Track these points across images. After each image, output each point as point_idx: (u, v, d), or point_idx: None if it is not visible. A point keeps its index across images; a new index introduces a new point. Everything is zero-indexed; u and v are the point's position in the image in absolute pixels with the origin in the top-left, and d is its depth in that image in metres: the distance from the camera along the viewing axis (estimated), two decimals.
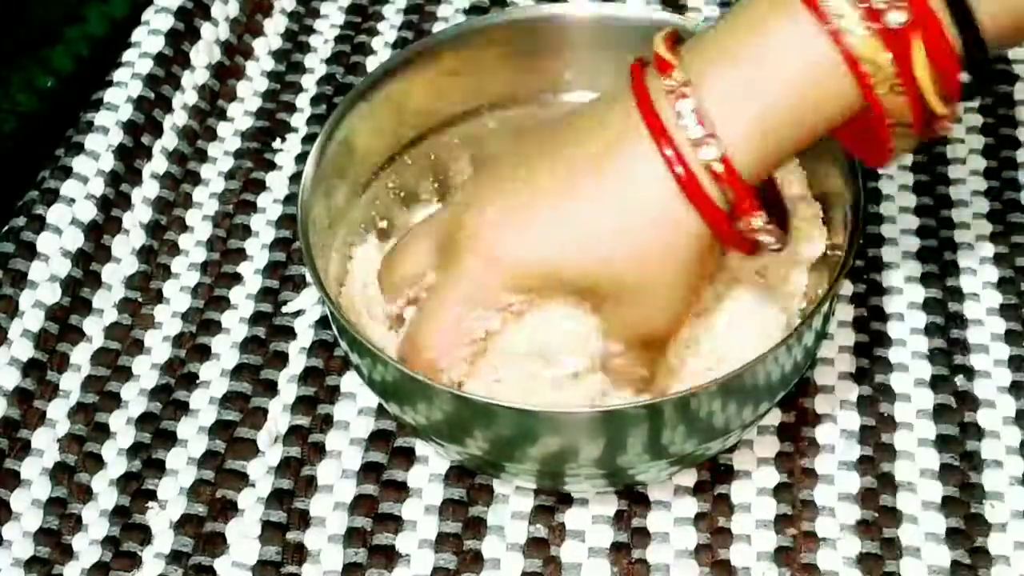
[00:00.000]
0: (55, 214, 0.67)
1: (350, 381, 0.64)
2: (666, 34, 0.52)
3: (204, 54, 0.76)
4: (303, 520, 0.59)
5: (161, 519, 0.60)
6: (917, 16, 0.47)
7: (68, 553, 0.59)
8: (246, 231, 0.70)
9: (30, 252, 0.66)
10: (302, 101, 0.76)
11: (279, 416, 0.63)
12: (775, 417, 0.62)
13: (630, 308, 0.53)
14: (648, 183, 0.51)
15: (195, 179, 0.72)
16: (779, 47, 0.49)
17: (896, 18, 0.47)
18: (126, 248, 0.69)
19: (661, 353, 0.56)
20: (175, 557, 0.58)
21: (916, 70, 0.48)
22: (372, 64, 0.77)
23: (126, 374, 0.64)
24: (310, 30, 0.80)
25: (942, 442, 0.61)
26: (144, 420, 0.63)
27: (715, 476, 0.60)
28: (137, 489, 0.61)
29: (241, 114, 0.75)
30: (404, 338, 0.57)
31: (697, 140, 0.50)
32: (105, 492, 0.61)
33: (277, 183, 0.72)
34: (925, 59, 0.47)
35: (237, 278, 0.68)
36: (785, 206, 0.55)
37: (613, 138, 0.52)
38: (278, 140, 0.74)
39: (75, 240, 0.67)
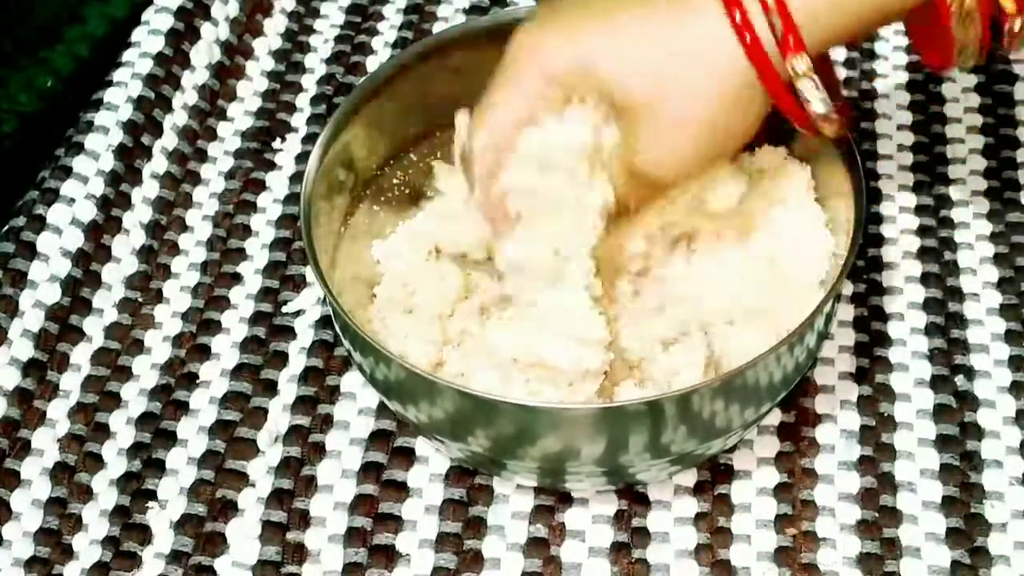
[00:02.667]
0: (55, 214, 0.67)
1: (350, 381, 0.64)
2: None
3: (204, 54, 0.76)
4: (303, 520, 0.59)
5: (161, 519, 0.60)
6: None
7: (68, 553, 0.59)
8: (246, 231, 0.70)
9: (30, 252, 0.66)
10: (302, 101, 0.76)
11: (279, 416, 0.63)
12: (775, 417, 0.62)
13: (651, 130, 0.53)
14: (704, 18, 0.51)
15: (195, 179, 0.72)
16: None
17: None
18: (126, 248, 0.69)
19: (655, 197, 0.56)
20: (175, 557, 0.58)
21: None
22: (372, 64, 0.77)
23: (126, 374, 0.64)
24: (310, 30, 0.80)
25: (942, 442, 0.61)
26: (144, 420, 0.63)
27: (715, 476, 0.60)
28: (137, 489, 0.61)
29: (241, 114, 0.75)
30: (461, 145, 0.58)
31: None
32: (105, 492, 0.61)
33: (277, 183, 0.72)
34: None
35: (237, 278, 0.68)
36: (843, 96, 0.55)
37: None
38: (278, 140, 0.74)
39: (75, 240, 0.67)
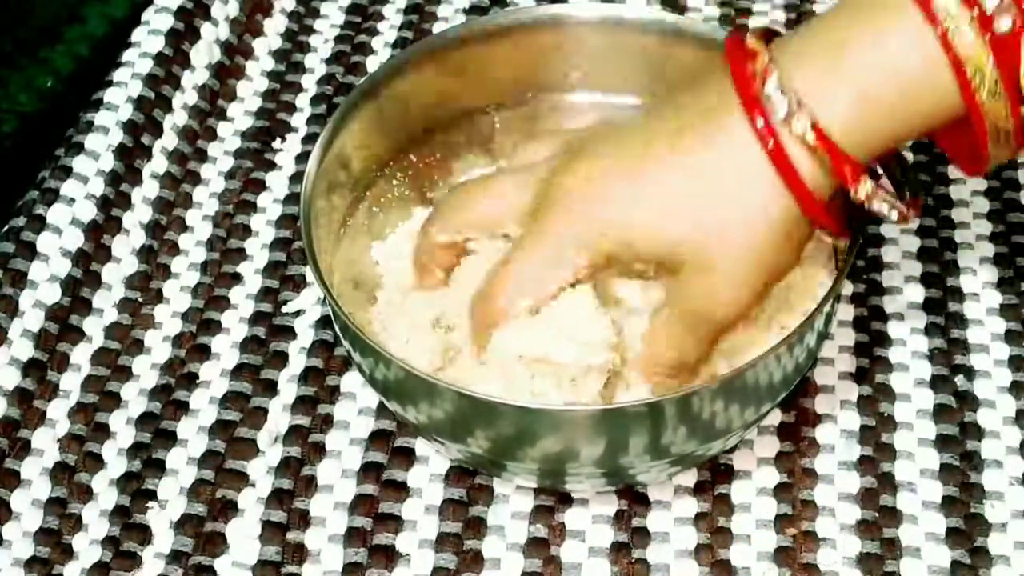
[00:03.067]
0: (55, 214, 0.67)
1: (350, 381, 0.64)
2: (760, 29, 0.52)
3: (204, 54, 0.76)
4: (303, 520, 0.59)
5: (161, 519, 0.60)
6: None
7: (68, 553, 0.59)
8: (246, 231, 0.70)
9: (30, 252, 0.66)
10: (302, 101, 0.76)
11: (279, 416, 0.63)
12: (775, 417, 0.62)
13: (700, 282, 0.53)
14: (738, 154, 0.51)
15: (195, 179, 0.72)
16: (882, 38, 0.49)
17: (1005, 23, 0.47)
18: (126, 248, 0.69)
19: (713, 345, 0.56)
20: (175, 557, 0.58)
21: (1022, 76, 0.47)
22: (372, 64, 0.77)
23: (126, 374, 0.64)
24: (310, 30, 0.80)
25: (942, 442, 0.61)
26: (144, 420, 0.63)
27: (715, 476, 0.60)
28: (137, 489, 0.61)
29: (241, 114, 0.75)
30: (480, 287, 0.57)
31: (787, 115, 0.49)
32: (105, 492, 0.61)
33: (277, 183, 0.72)
34: None
35: (237, 278, 0.68)
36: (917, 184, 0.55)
37: (706, 109, 0.52)
38: (278, 140, 0.74)
39: (75, 240, 0.67)
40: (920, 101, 0.49)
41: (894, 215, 0.52)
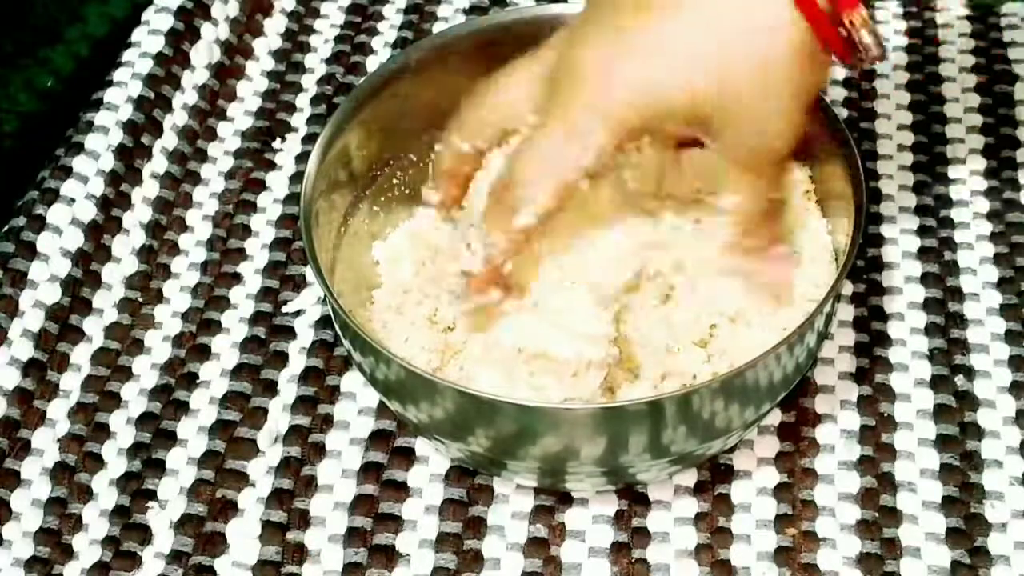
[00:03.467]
0: (55, 214, 0.67)
1: (350, 381, 0.64)
2: None
3: (204, 54, 0.76)
4: (303, 520, 0.59)
5: (161, 519, 0.60)
6: None
7: (68, 553, 0.59)
8: (246, 231, 0.70)
9: (30, 252, 0.66)
10: (302, 101, 0.76)
11: (279, 416, 0.63)
12: (775, 417, 0.62)
13: (746, 126, 0.53)
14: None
15: (195, 179, 0.72)
16: None
17: None
18: (126, 248, 0.69)
19: (779, 176, 0.56)
20: (175, 557, 0.58)
21: None
22: (372, 64, 0.77)
23: (126, 374, 0.64)
24: (310, 30, 0.80)
25: (942, 442, 0.61)
26: (144, 420, 0.63)
27: (715, 476, 0.60)
28: (137, 489, 0.61)
29: (241, 114, 0.75)
30: (499, 175, 0.55)
31: None
32: (105, 492, 0.61)
33: (277, 183, 0.72)
34: None
35: (237, 278, 0.68)
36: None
37: None
38: (278, 140, 0.74)
39: (75, 240, 0.67)
40: None
41: (877, 49, 0.52)
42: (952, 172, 0.71)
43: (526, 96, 0.56)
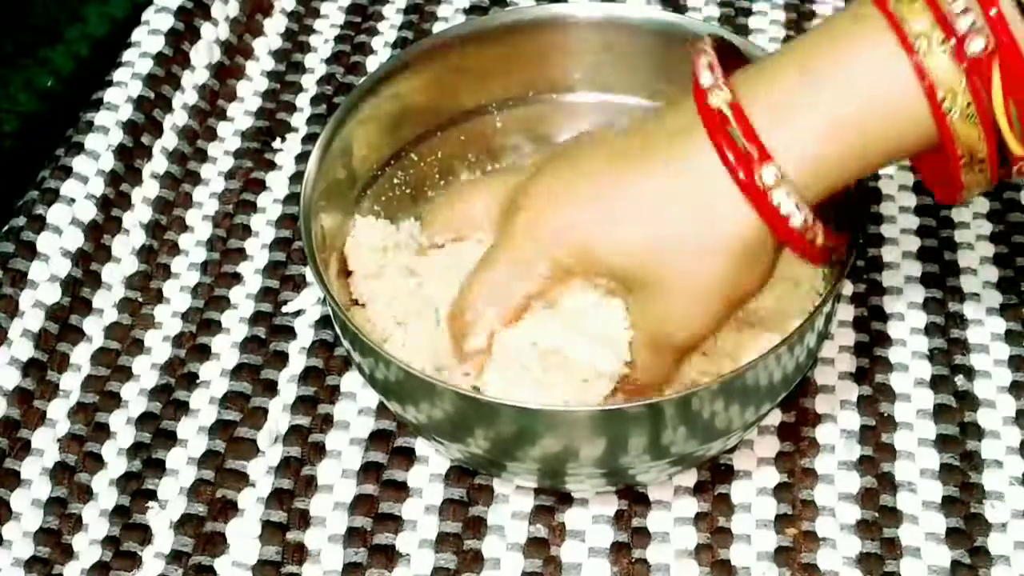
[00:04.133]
0: (55, 214, 0.67)
1: (350, 381, 0.64)
2: (708, 54, 0.51)
3: (204, 54, 0.76)
4: (303, 520, 0.59)
5: (161, 519, 0.60)
6: (999, 43, 0.46)
7: (68, 553, 0.59)
8: (246, 231, 0.70)
9: (30, 252, 0.66)
10: (302, 101, 0.76)
11: (279, 416, 0.63)
12: (775, 417, 0.62)
13: (658, 305, 0.53)
14: (704, 179, 0.50)
15: (195, 179, 0.72)
16: (854, 60, 0.48)
17: (977, 44, 0.46)
18: (126, 248, 0.69)
19: (679, 364, 0.56)
20: (175, 557, 0.58)
21: (994, 100, 0.47)
22: (372, 64, 0.77)
23: (126, 374, 0.64)
24: (310, 30, 0.80)
25: (942, 442, 0.61)
26: (144, 420, 0.63)
27: (715, 476, 0.60)
28: (137, 489, 0.61)
29: (241, 114, 0.75)
30: (451, 305, 0.58)
31: (756, 161, 0.49)
32: (105, 492, 0.61)
33: (277, 183, 0.72)
34: (1002, 89, 0.46)
35: (237, 278, 0.68)
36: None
37: (673, 132, 0.51)
38: (278, 140, 0.74)
39: (75, 240, 0.67)
40: (893, 128, 0.48)
41: (796, 219, 0.50)
42: None
43: (484, 210, 0.59)
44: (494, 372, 0.56)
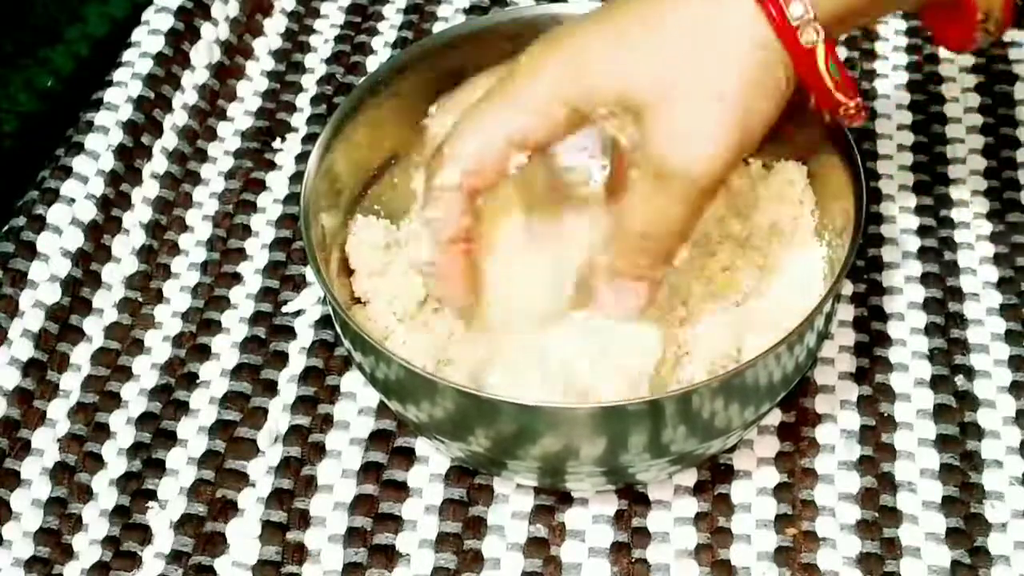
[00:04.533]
0: (55, 214, 0.67)
1: (350, 381, 0.64)
2: None
3: (204, 54, 0.76)
4: (303, 520, 0.59)
5: (161, 519, 0.60)
6: None
7: (68, 553, 0.59)
8: (246, 231, 0.70)
9: (30, 252, 0.66)
10: (302, 101, 0.76)
11: (279, 416, 0.63)
12: (775, 417, 0.62)
13: (678, 119, 0.50)
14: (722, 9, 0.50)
15: (195, 179, 0.72)
16: None
17: None
18: (126, 248, 0.69)
19: (694, 214, 0.51)
20: (175, 557, 0.58)
21: None
22: (372, 64, 0.77)
23: (126, 374, 0.64)
24: (310, 30, 0.80)
25: (942, 442, 0.61)
26: (144, 420, 0.63)
27: (715, 476, 0.60)
28: (137, 489, 0.61)
29: (241, 114, 0.75)
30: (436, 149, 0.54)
31: None
32: (105, 492, 0.61)
33: (277, 183, 0.72)
34: None
35: (237, 278, 0.68)
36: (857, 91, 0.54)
37: None
38: (278, 140, 0.74)
39: (75, 240, 0.67)
40: None
41: (829, 77, 0.50)
42: (952, 172, 0.71)
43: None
44: (497, 368, 0.56)
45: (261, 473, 0.61)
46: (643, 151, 0.51)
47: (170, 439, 0.62)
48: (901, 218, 0.69)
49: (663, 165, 0.50)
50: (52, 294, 0.66)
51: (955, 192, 0.70)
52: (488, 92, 0.53)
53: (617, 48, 0.51)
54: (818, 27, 0.49)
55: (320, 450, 0.61)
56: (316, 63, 0.78)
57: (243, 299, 0.67)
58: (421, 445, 0.61)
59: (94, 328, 0.66)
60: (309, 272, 0.67)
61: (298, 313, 0.66)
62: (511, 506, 0.59)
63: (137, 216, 0.70)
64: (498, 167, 0.52)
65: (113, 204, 0.69)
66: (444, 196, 0.53)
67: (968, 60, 0.75)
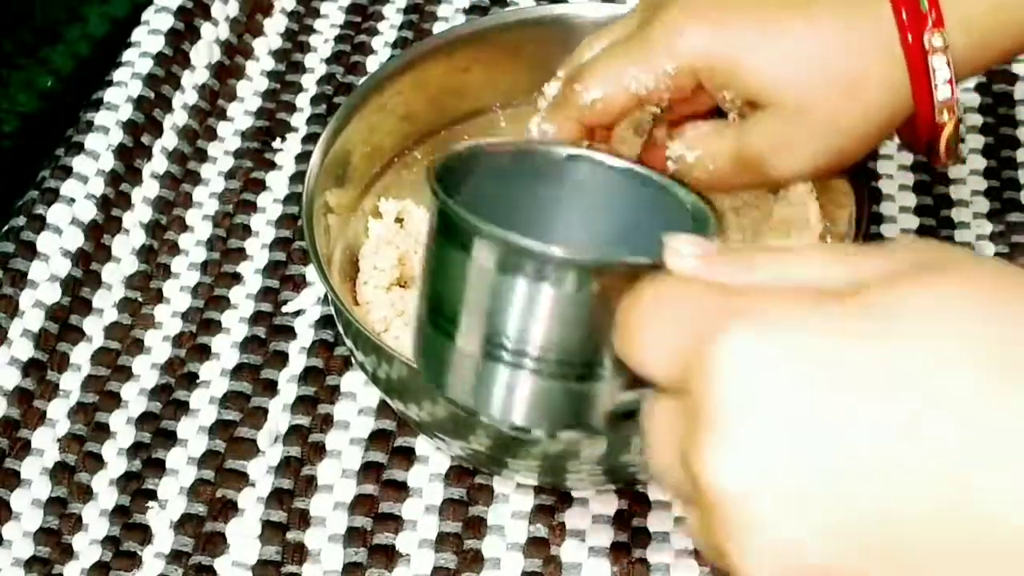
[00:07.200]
0: (55, 214, 0.67)
1: (350, 381, 0.64)
2: None
3: (204, 54, 0.76)
4: (303, 520, 0.59)
5: (161, 519, 0.60)
6: None
7: (68, 553, 0.59)
8: (246, 231, 0.70)
9: (30, 252, 0.66)
10: (302, 101, 0.76)
11: (279, 416, 0.63)
12: None
13: (793, 131, 0.51)
14: (871, 24, 0.51)
15: (195, 179, 0.72)
16: None
17: None
18: (126, 248, 0.69)
19: (745, 187, 0.55)
20: (175, 557, 0.58)
21: None
22: (372, 64, 0.77)
23: (126, 374, 0.64)
24: (310, 30, 0.80)
25: None
26: (144, 420, 0.63)
27: None
28: (137, 489, 0.61)
29: (241, 114, 0.75)
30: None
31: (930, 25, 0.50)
32: (105, 492, 0.61)
33: (277, 183, 0.72)
34: None
35: (237, 278, 0.68)
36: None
37: None
38: (278, 140, 0.74)
39: (75, 240, 0.67)
40: None
41: (945, 89, 0.51)
42: (952, 172, 0.71)
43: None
44: None
45: (261, 473, 0.61)
46: (743, 139, 0.52)
47: (170, 439, 0.62)
48: (901, 218, 0.69)
49: (751, 156, 0.52)
50: (52, 294, 0.66)
51: (955, 192, 0.70)
52: (627, 39, 0.53)
53: (766, 39, 0.51)
54: (935, 36, 0.51)
55: (320, 450, 0.61)
56: (316, 63, 0.78)
57: (243, 299, 0.67)
58: (421, 445, 0.61)
59: (94, 328, 0.66)
60: (309, 272, 0.67)
61: (298, 313, 0.66)
62: (511, 506, 0.59)
63: (137, 216, 0.70)
64: (616, 115, 0.53)
65: (113, 204, 0.69)
66: (560, 116, 0.54)
67: None
